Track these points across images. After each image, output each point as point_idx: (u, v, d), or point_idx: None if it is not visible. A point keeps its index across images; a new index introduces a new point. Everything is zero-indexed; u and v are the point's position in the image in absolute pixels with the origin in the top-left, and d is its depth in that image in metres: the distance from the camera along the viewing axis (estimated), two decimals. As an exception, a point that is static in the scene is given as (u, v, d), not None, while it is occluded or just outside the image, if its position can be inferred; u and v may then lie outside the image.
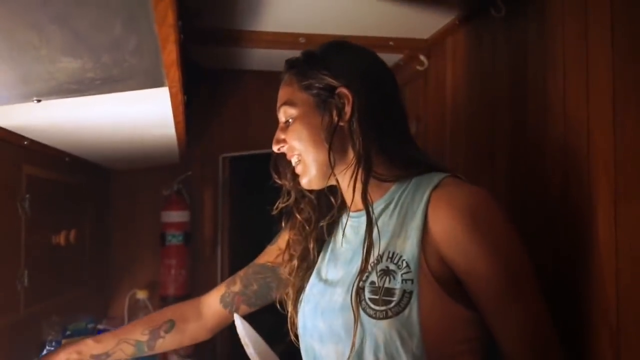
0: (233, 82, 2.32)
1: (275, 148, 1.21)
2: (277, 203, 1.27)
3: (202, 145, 2.42)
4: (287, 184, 1.25)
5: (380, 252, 1.08)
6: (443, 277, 1.04)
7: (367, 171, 1.10)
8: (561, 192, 1.21)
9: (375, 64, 1.22)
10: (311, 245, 1.25)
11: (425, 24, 1.73)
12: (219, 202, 2.45)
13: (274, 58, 2.02)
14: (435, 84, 1.91)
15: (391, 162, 1.14)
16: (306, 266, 1.26)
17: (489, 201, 1.06)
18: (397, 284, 1.03)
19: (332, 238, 1.26)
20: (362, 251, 1.08)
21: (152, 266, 2.40)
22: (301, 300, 1.23)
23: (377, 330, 1.03)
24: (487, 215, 1.05)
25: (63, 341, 1.76)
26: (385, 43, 1.83)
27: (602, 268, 1.07)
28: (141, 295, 2.32)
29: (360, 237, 1.13)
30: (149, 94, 1.22)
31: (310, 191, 1.23)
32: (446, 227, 1.04)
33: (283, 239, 1.35)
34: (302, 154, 1.16)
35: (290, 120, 1.17)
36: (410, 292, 1.02)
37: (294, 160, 1.19)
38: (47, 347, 1.72)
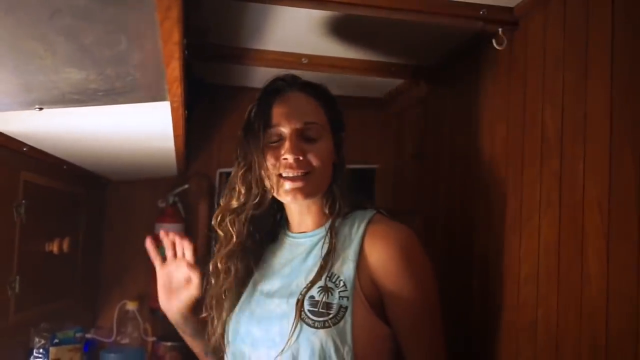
0: (233, 98, 2.33)
1: (294, 157, 1.28)
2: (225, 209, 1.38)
3: (200, 159, 2.42)
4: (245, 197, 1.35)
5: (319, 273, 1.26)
6: (372, 298, 1.25)
7: (339, 203, 1.35)
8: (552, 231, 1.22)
9: None
10: (251, 260, 1.39)
11: (428, 49, 1.75)
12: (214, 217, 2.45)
13: (275, 76, 2.04)
14: (434, 111, 1.93)
15: (343, 197, 1.36)
16: (243, 279, 1.39)
17: (415, 240, 1.30)
18: (334, 300, 1.22)
19: (268, 254, 1.42)
20: (306, 268, 1.29)
21: (144, 278, 2.38)
22: (236, 310, 1.36)
23: (315, 338, 1.19)
24: (415, 252, 1.29)
25: (51, 349, 1.75)
26: (386, 67, 1.85)
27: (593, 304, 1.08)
28: (131, 306, 2.30)
29: (298, 255, 1.34)
30: (151, 108, 1.24)
31: (260, 208, 1.36)
32: (381, 258, 1.25)
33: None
34: (317, 172, 1.31)
35: (316, 138, 1.32)
36: (346, 308, 1.22)
37: (297, 174, 1.29)
38: (34, 355, 1.72)
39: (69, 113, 1.21)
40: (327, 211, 1.36)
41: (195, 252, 1.41)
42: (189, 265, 1.40)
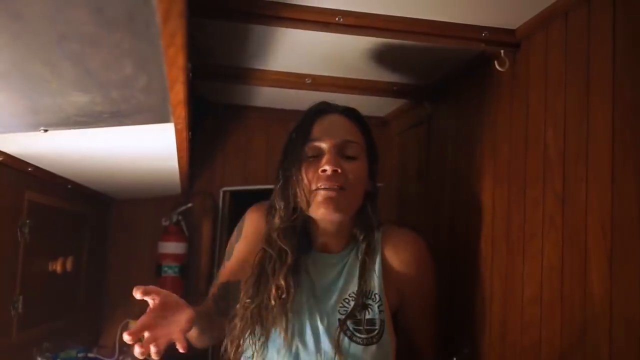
0: (237, 117, 2.34)
1: (333, 168, 1.31)
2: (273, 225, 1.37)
3: (204, 178, 2.43)
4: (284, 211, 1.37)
5: (355, 290, 1.34)
6: (394, 307, 1.36)
7: (370, 226, 1.41)
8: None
9: None
10: (290, 279, 1.34)
11: (431, 70, 1.76)
12: (217, 235, 2.45)
13: (279, 96, 2.06)
14: (437, 131, 1.94)
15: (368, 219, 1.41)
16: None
17: (426, 244, 1.44)
18: (375, 315, 1.30)
19: (304, 270, 1.39)
20: (339, 287, 1.34)
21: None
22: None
23: (365, 354, 1.25)
24: (428, 253, 1.44)
25: (53, 369, 1.75)
26: (389, 87, 1.86)
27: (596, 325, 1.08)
28: (134, 325, 2.30)
29: (329, 274, 1.37)
30: (155, 129, 1.24)
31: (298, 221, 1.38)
32: (403, 264, 1.37)
33: (238, 251, 1.45)
34: (351, 189, 1.33)
35: (355, 156, 1.36)
36: (383, 321, 1.31)
37: (332, 190, 1.31)
38: (36, 375, 1.71)
39: (73, 134, 1.22)
40: (354, 232, 1.41)
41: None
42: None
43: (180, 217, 2.38)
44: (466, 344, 1.54)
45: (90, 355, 2.15)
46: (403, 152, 2.28)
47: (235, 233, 1.51)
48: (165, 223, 2.38)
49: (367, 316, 1.30)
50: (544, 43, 1.31)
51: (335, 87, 1.83)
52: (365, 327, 1.28)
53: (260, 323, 1.30)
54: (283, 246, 1.33)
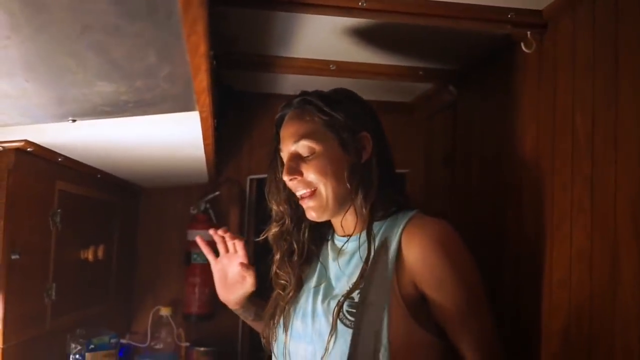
0: (263, 105, 2.35)
1: (289, 178, 1.31)
2: (270, 228, 1.44)
3: (231, 166, 2.44)
4: (283, 209, 1.41)
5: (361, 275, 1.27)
6: (410, 299, 1.23)
7: (373, 205, 1.30)
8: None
9: (377, 115, 1.42)
10: (300, 270, 1.41)
11: (456, 53, 1.74)
12: (245, 222, 2.47)
13: (304, 83, 2.05)
14: (464, 115, 1.92)
15: (381, 199, 1.32)
16: (299, 288, 1.41)
17: (453, 232, 1.28)
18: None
19: (320, 254, 1.43)
20: (349, 271, 1.31)
21: (177, 284, 2.42)
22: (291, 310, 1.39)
23: (351, 338, 1.21)
24: (453, 244, 1.26)
25: (87, 355, 1.79)
26: (414, 72, 1.85)
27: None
28: (165, 312, 2.34)
29: (342, 258, 1.35)
30: (180, 117, 1.25)
31: (299, 221, 1.41)
32: (419, 255, 1.24)
33: None
34: (321, 188, 1.30)
35: (310, 154, 1.30)
36: (383, 308, 1.21)
37: (302, 192, 1.31)
38: (70, 360, 1.75)
39: (101, 124, 1.23)
40: (365, 213, 1.29)
41: (246, 248, 1.47)
42: (242, 265, 1.45)
43: (208, 205, 2.41)
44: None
45: (122, 341, 2.19)
46: (429, 137, 2.26)
47: None
48: (193, 211, 2.41)
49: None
50: (572, 24, 1.28)
51: (360, 73, 1.83)
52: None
53: (275, 310, 1.42)
54: (285, 244, 1.42)
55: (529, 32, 1.40)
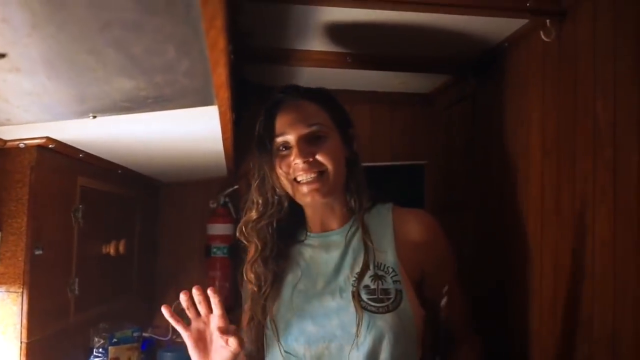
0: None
1: (303, 160, 1.32)
2: (251, 216, 1.41)
3: (250, 160, 2.45)
4: (263, 201, 1.40)
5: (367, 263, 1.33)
6: (415, 279, 1.34)
7: (361, 197, 1.39)
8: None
9: None
10: (280, 263, 1.41)
11: (474, 43, 1.72)
12: (264, 216, 2.47)
13: (321, 76, 2.05)
14: (483, 106, 1.90)
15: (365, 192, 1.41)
16: (277, 282, 1.40)
17: (436, 220, 1.41)
18: (389, 285, 1.30)
19: (295, 256, 1.43)
20: (349, 263, 1.34)
21: (198, 277, 2.43)
22: (279, 311, 1.36)
23: (382, 322, 1.25)
24: (438, 228, 1.40)
25: (110, 348, 1.81)
26: (432, 63, 1.83)
27: None
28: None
29: (335, 252, 1.37)
30: (199, 112, 1.26)
31: (279, 215, 1.40)
32: (419, 237, 1.36)
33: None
34: (330, 170, 1.34)
35: (321, 138, 1.35)
36: (401, 291, 1.29)
37: (311, 176, 1.33)
38: (94, 354, 1.77)
39: (121, 120, 1.24)
40: (352, 206, 1.40)
41: (221, 304, 1.29)
42: (220, 329, 1.24)
43: (227, 199, 2.41)
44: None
45: (145, 334, 2.21)
46: (448, 128, 2.25)
47: None
48: (212, 205, 2.42)
49: (382, 286, 1.29)
50: (592, 10, 1.27)
51: (376, 65, 1.82)
52: (379, 297, 1.28)
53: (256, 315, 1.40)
54: (256, 240, 1.39)
55: (548, 20, 1.38)
